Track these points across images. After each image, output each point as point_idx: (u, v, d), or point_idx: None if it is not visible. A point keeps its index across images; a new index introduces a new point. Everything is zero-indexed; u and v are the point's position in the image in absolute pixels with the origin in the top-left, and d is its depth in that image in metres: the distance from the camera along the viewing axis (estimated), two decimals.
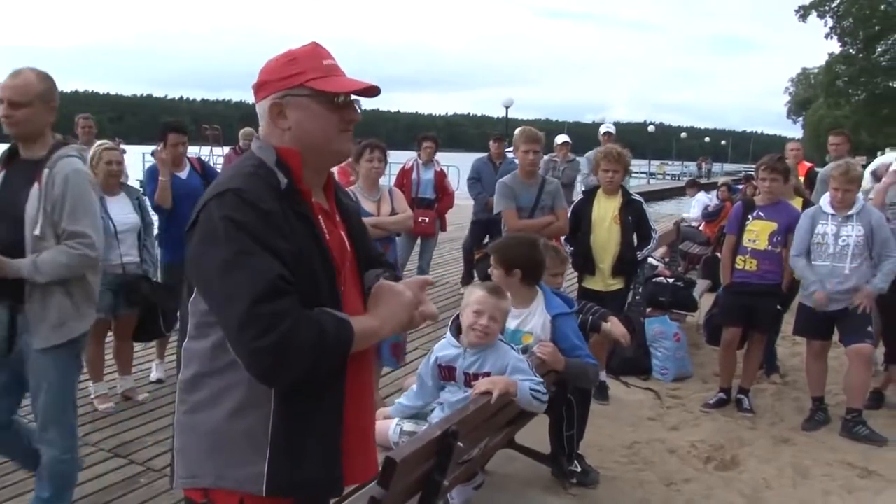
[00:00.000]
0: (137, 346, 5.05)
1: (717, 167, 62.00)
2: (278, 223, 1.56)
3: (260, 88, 1.71)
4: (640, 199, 5.24)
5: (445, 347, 3.21)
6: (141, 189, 5.27)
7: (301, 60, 1.67)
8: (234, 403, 1.61)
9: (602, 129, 9.07)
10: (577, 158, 9.33)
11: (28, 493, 3.57)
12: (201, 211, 1.59)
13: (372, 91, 1.71)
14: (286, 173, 1.65)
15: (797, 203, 5.51)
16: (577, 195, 6.49)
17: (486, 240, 7.92)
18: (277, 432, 1.60)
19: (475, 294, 3.10)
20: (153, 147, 6.67)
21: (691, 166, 52.69)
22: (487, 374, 3.05)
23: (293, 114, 1.67)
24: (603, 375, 5.09)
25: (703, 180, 24.21)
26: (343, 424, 1.69)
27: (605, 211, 5.08)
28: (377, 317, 1.71)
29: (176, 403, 1.72)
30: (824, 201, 4.82)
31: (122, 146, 6.68)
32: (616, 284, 5.08)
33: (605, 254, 5.05)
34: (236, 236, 1.51)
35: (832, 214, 4.71)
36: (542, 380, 3.10)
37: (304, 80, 1.65)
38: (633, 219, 5.06)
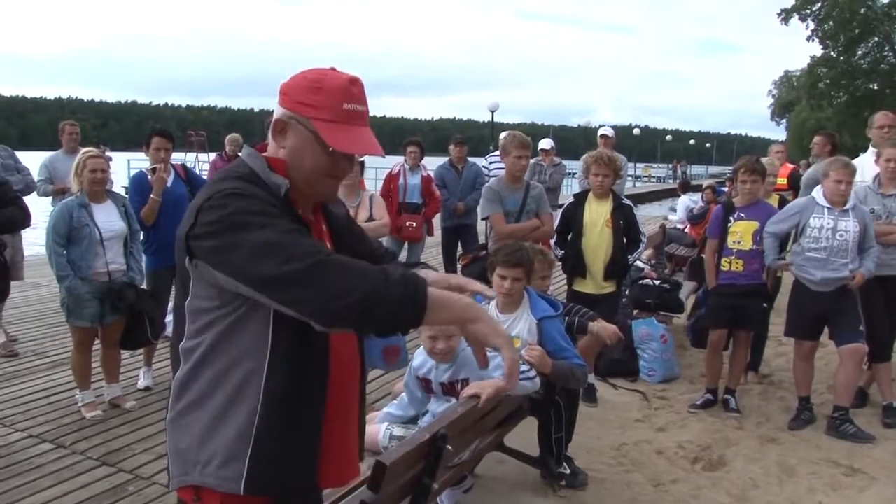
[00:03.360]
0: (125, 353, 5.02)
1: (700, 170, 62.37)
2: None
3: (280, 94, 1.68)
4: (630, 202, 5.27)
5: (419, 356, 3.26)
6: (126, 196, 5.24)
7: (323, 94, 1.62)
8: (221, 403, 1.62)
9: (600, 132, 8.63)
10: (563, 162, 9.37)
11: (25, 499, 3.57)
12: (199, 213, 1.53)
13: (375, 154, 1.69)
14: (280, 180, 1.64)
15: (773, 201, 5.57)
16: (564, 198, 6.50)
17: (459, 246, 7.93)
18: (261, 433, 1.61)
19: None
20: (139, 153, 6.61)
21: None
22: (466, 381, 3.07)
23: (292, 138, 1.65)
24: (591, 378, 5.11)
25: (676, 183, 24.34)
26: (321, 429, 1.71)
27: (597, 215, 5.10)
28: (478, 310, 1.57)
29: (169, 403, 1.72)
30: (818, 194, 4.82)
31: (108, 153, 6.63)
32: (609, 287, 5.11)
33: (596, 257, 5.06)
34: (243, 218, 1.48)
35: (828, 208, 4.71)
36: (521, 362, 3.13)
37: (312, 115, 1.62)
38: (624, 222, 5.09)
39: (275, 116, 1.68)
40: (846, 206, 4.69)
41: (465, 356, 3.12)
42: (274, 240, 1.46)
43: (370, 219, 5.00)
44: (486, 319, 1.55)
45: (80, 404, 4.68)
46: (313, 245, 1.50)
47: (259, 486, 1.63)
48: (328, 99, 1.62)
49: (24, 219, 4.49)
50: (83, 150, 4.87)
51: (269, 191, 1.61)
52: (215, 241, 1.50)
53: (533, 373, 3.11)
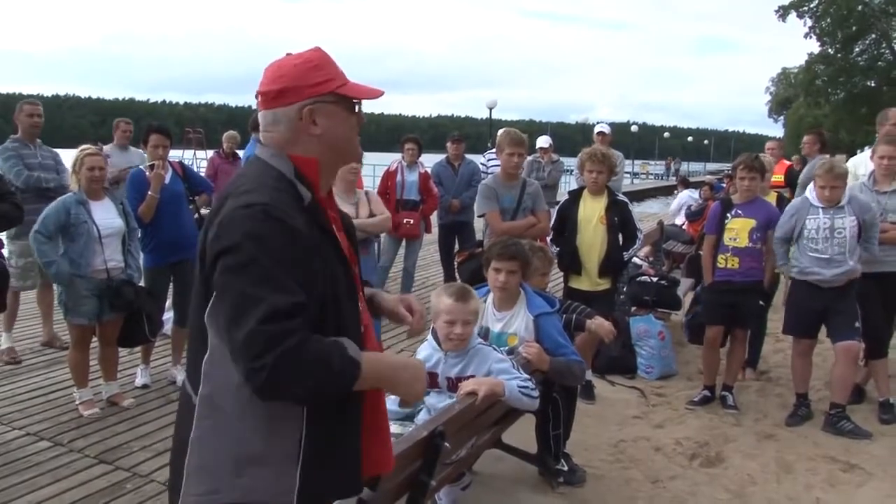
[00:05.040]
0: (122, 351, 5.02)
1: (698, 166, 62.40)
2: (305, 243, 1.54)
3: (283, 94, 1.66)
4: (626, 199, 5.27)
5: (426, 350, 3.22)
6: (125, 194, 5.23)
7: (325, 67, 1.69)
8: (262, 416, 1.58)
9: (596, 129, 8.59)
10: (561, 159, 9.37)
11: (22, 497, 3.56)
12: (223, 220, 1.54)
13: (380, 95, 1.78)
14: (307, 186, 1.65)
15: (771, 198, 5.58)
16: (562, 195, 6.51)
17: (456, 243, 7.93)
18: (309, 443, 1.60)
19: (444, 302, 3.09)
20: (138, 150, 6.69)
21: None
22: (471, 378, 3.07)
23: (323, 120, 1.67)
24: (589, 375, 5.11)
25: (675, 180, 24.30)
26: (362, 426, 1.72)
27: (592, 211, 5.10)
28: (397, 368, 1.72)
29: (195, 419, 1.64)
30: (811, 195, 4.81)
31: (107, 151, 6.67)
32: (604, 284, 5.11)
33: (591, 254, 5.07)
34: (258, 258, 1.49)
35: (823, 207, 4.71)
36: (528, 377, 3.12)
37: (333, 86, 1.67)
38: (619, 219, 5.09)
39: (295, 112, 1.66)
40: (841, 204, 4.69)
41: (476, 351, 3.12)
42: (256, 297, 1.47)
43: (371, 215, 5.04)
44: (403, 387, 1.73)
45: (77, 402, 4.68)
46: (283, 329, 1.46)
47: (312, 495, 1.62)
48: (331, 68, 1.70)
49: (17, 215, 4.48)
50: (81, 147, 4.86)
51: (296, 198, 1.62)
52: (223, 277, 1.53)
53: (536, 392, 3.10)
